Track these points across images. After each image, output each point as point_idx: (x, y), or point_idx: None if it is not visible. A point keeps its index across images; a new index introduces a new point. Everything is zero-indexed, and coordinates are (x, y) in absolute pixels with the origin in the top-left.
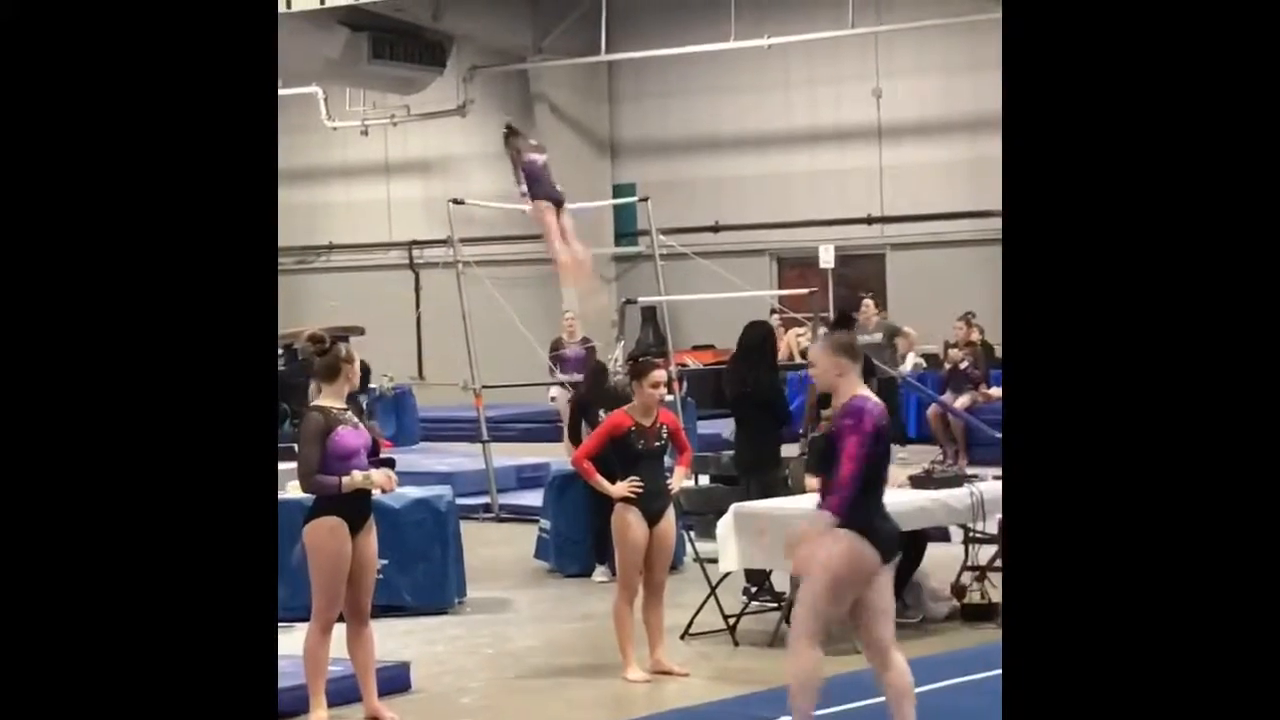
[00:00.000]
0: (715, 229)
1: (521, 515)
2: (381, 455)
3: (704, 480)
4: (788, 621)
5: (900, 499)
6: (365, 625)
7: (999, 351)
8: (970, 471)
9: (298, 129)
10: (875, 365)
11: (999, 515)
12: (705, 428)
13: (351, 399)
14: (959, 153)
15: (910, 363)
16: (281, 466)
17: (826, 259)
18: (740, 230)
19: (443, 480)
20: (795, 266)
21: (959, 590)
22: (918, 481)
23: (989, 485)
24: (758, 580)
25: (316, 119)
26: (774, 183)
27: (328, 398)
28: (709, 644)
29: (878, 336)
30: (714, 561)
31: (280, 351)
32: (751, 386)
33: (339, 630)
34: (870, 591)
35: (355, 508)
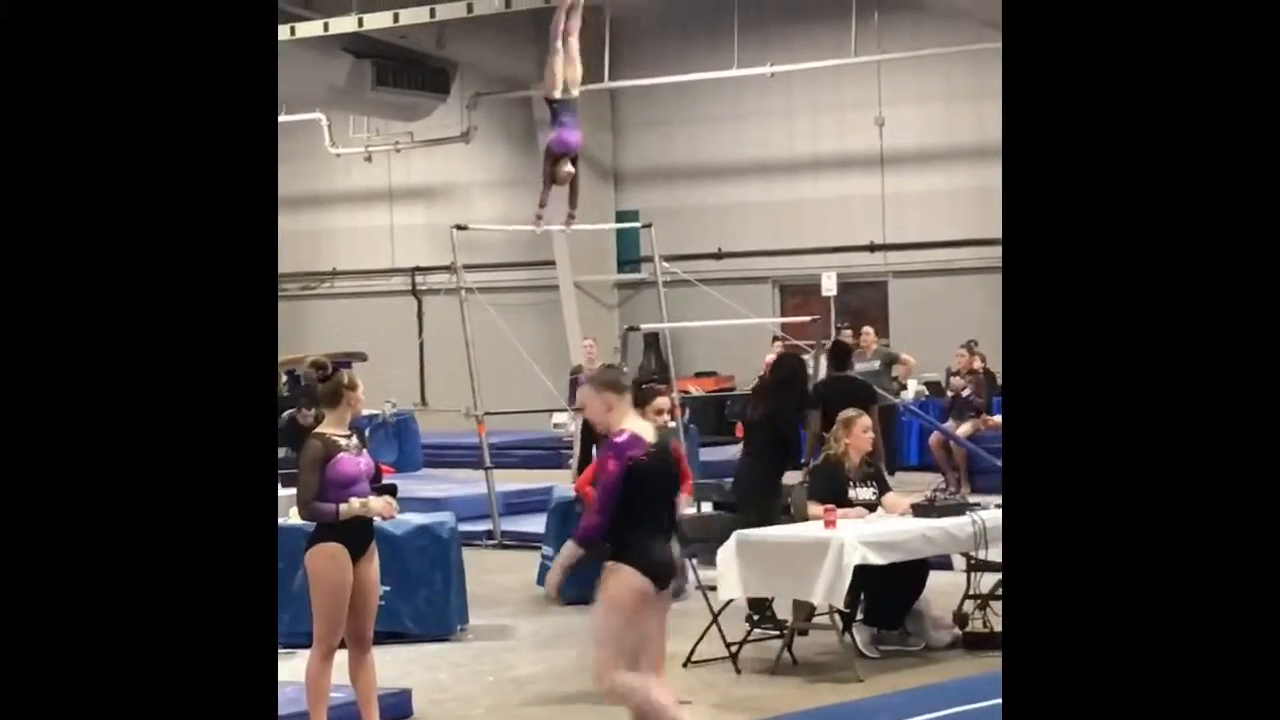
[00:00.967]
0: (718, 256)
1: (524, 542)
2: (383, 481)
3: (706, 508)
4: (789, 649)
5: (903, 527)
6: (367, 652)
7: (1001, 379)
8: (973, 499)
9: (302, 155)
10: (876, 392)
11: (1001, 543)
12: (708, 455)
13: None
14: (961, 181)
15: (913, 390)
16: (281, 492)
17: (829, 286)
18: (743, 257)
19: (445, 507)
20: (797, 294)
21: (961, 619)
22: (920, 510)
23: (991, 513)
24: (760, 608)
25: (320, 145)
26: (777, 210)
27: (329, 424)
28: (711, 672)
29: (876, 364)
30: (716, 589)
31: (283, 378)
32: (771, 416)
33: (341, 657)
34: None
35: (356, 534)
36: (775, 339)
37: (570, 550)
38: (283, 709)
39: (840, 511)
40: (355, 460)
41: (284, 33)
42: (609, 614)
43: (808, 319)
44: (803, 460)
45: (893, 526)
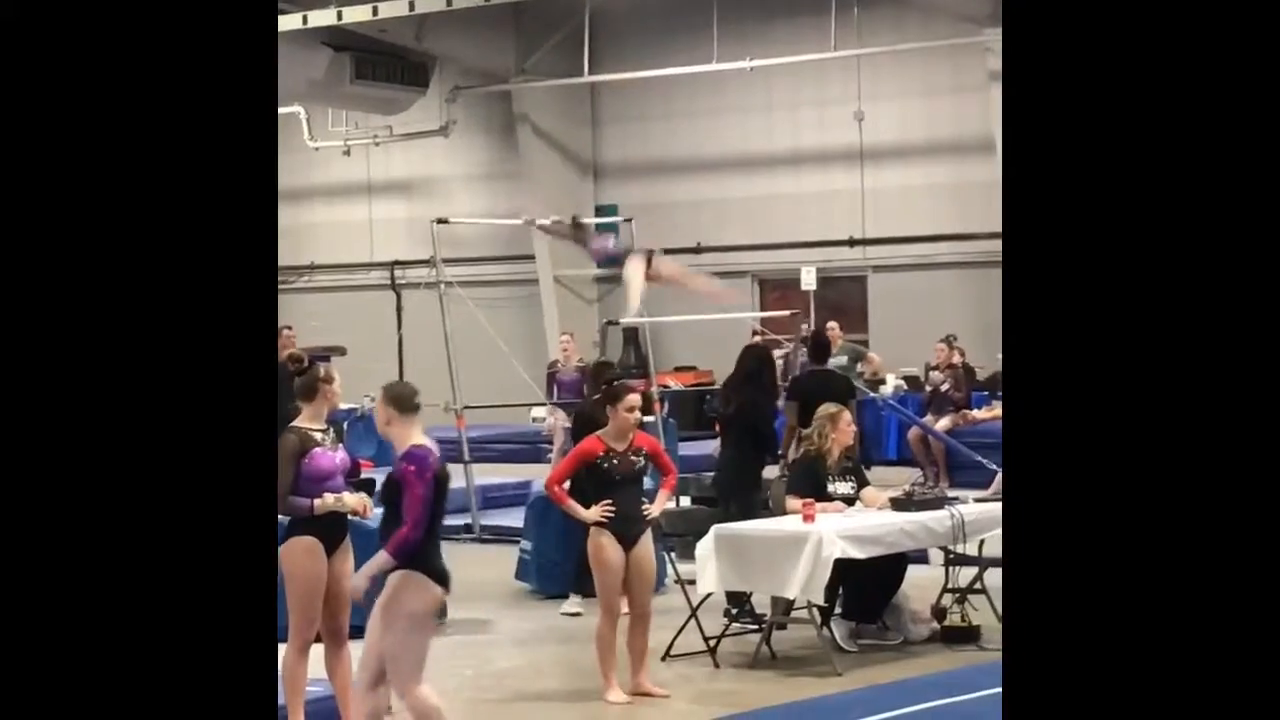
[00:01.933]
0: (697, 250)
1: (502, 536)
2: (361, 476)
3: (685, 502)
4: (768, 644)
5: (881, 521)
6: (343, 646)
7: (980, 374)
8: (951, 494)
9: (281, 149)
10: (855, 387)
11: (980, 537)
12: (687, 449)
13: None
14: (941, 176)
15: (891, 385)
16: None
17: (808, 281)
18: (722, 252)
19: None
20: (777, 288)
21: (939, 612)
22: (898, 504)
23: (969, 507)
24: (738, 602)
25: (299, 139)
26: (756, 205)
27: (306, 418)
28: (690, 666)
29: (843, 359)
30: (694, 583)
31: None
32: (742, 409)
33: (317, 651)
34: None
35: (331, 528)
36: (755, 333)
37: (382, 560)
38: None
39: (819, 506)
40: (331, 455)
41: None
42: (414, 629)
43: (787, 313)
44: (780, 453)
45: (871, 520)
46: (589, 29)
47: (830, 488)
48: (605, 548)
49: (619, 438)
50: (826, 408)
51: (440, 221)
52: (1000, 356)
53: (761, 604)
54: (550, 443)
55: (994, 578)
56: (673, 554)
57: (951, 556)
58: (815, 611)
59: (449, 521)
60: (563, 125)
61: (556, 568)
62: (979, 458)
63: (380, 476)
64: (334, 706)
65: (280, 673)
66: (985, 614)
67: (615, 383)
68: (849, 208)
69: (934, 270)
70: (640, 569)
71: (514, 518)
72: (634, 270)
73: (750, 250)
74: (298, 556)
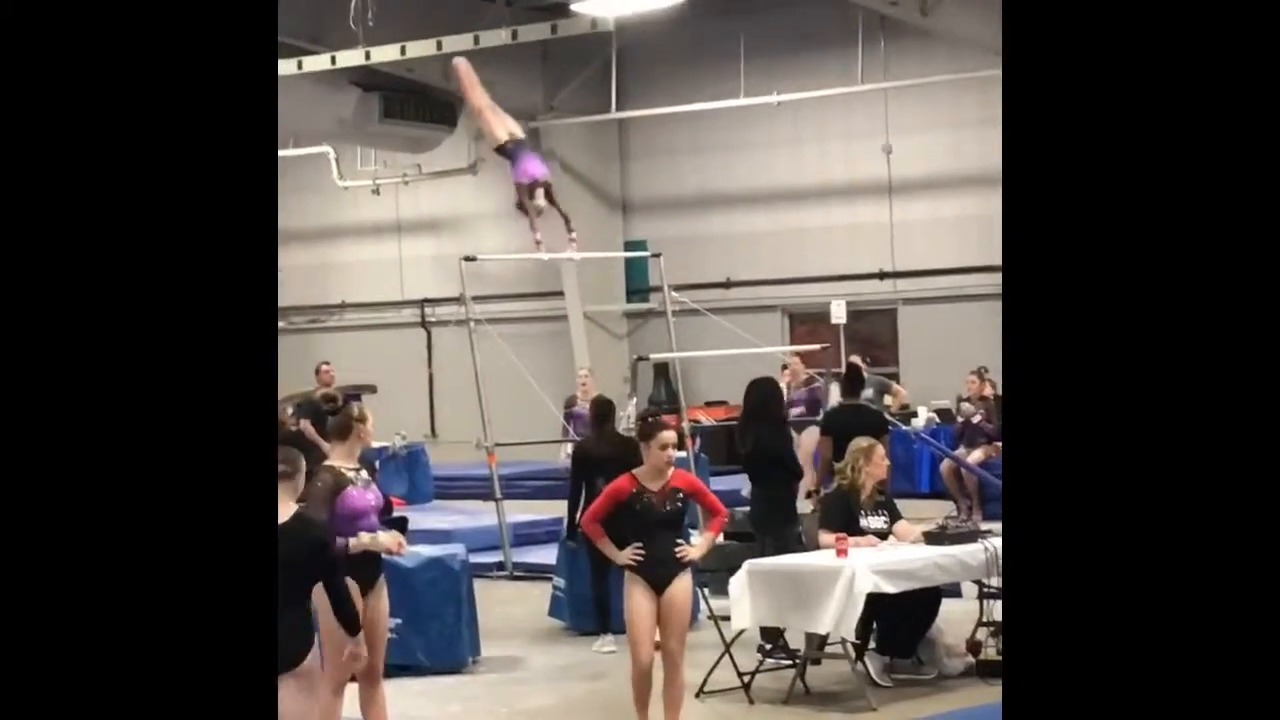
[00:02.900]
0: (727, 285)
1: (535, 573)
2: (394, 514)
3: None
4: (803, 679)
5: (914, 555)
6: (378, 685)
7: (1001, 405)
8: (985, 527)
9: (310, 189)
10: (887, 420)
11: None
12: (718, 484)
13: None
14: (969, 208)
15: (923, 417)
16: None
17: (838, 314)
18: (752, 286)
19: (456, 538)
20: (807, 322)
21: (974, 646)
22: (932, 537)
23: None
24: (772, 637)
25: (328, 178)
26: (785, 239)
27: (339, 457)
28: (724, 702)
29: (869, 392)
30: (728, 619)
31: (289, 410)
32: (760, 444)
33: (352, 690)
34: None
35: (365, 568)
36: (784, 367)
37: None
38: None
39: (852, 540)
40: (364, 494)
41: (291, 66)
42: (315, 691)
43: (817, 347)
44: (813, 488)
45: (904, 555)
46: (616, 65)
47: (863, 522)
48: (635, 595)
49: (653, 476)
50: (859, 442)
51: (468, 259)
52: None
53: (795, 639)
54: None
55: None
56: (706, 590)
57: (986, 590)
58: (849, 646)
59: (483, 559)
60: (591, 161)
61: (590, 604)
62: None
63: (413, 515)
64: None
65: (316, 712)
66: None
67: (651, 418)
68: (878, 241)
69: (964, 302)
70: (671, 613)
71: (547, 554)
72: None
73: (779, 284)
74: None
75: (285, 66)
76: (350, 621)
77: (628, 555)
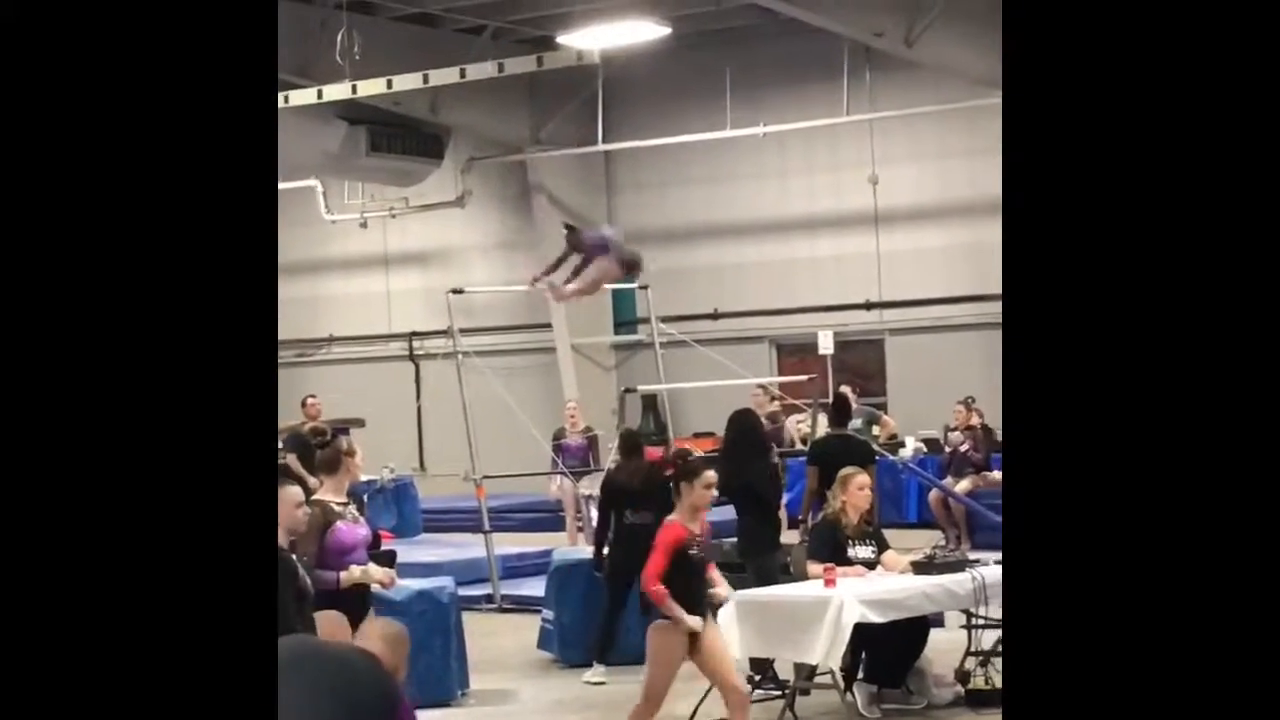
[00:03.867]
0: (714, 316)
1: (524, 605)
2: (382, 548)
3: None
4: (792, 709)
5: (902, 585)
6: None
7: (999, 435)
8: (972, 556)
9: (297, 222)
10: (874, 450)
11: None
12: (708, 515)
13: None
14: (956, 238)
15: (911, 447)
16: None
17: (826, 345)
18: (739, 317)
19: (444, 571)
20: (795, 353)
21: (963, 676)
22: (920, 567)
23: (991, 570)
24: (761, 668)
25: (315, 212)
26: (772, 270)
27: (327, 491)
28: None
29: (858, 422)
30: None
31: (279, 444)
32: (742, 475)
33: None
34: None
35: (355, 601)
36: (773, 398)
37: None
38: None
39: (840, 570)
40: (353, 529)
41: (279, 100)
42: None
43: (805, 378)
44: (799, 517)
45: (892, 584)
46: (602, 97)
47: (850, 552)
48: (674, 649)
49: (693, 517)
50: (842, 471)
51: (456, 291)
52: None
53: (784, 670)
54: (562, 509)
55: None
56: None
57: (974, 619)
58: (838, 676)
59: (471, 591)
60: (578, 194)
61: (578, 637)
62: (1000, 519)
63: (402, 548)
64: None
65: None
66: None
67: (690, 459)
68: (865, 271)
69: (951, 332)
70: (719, 653)
71: (535, 587)
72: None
73: (767, 315)
74: (322, 630)
75: None
76: None
77: (696, 622)
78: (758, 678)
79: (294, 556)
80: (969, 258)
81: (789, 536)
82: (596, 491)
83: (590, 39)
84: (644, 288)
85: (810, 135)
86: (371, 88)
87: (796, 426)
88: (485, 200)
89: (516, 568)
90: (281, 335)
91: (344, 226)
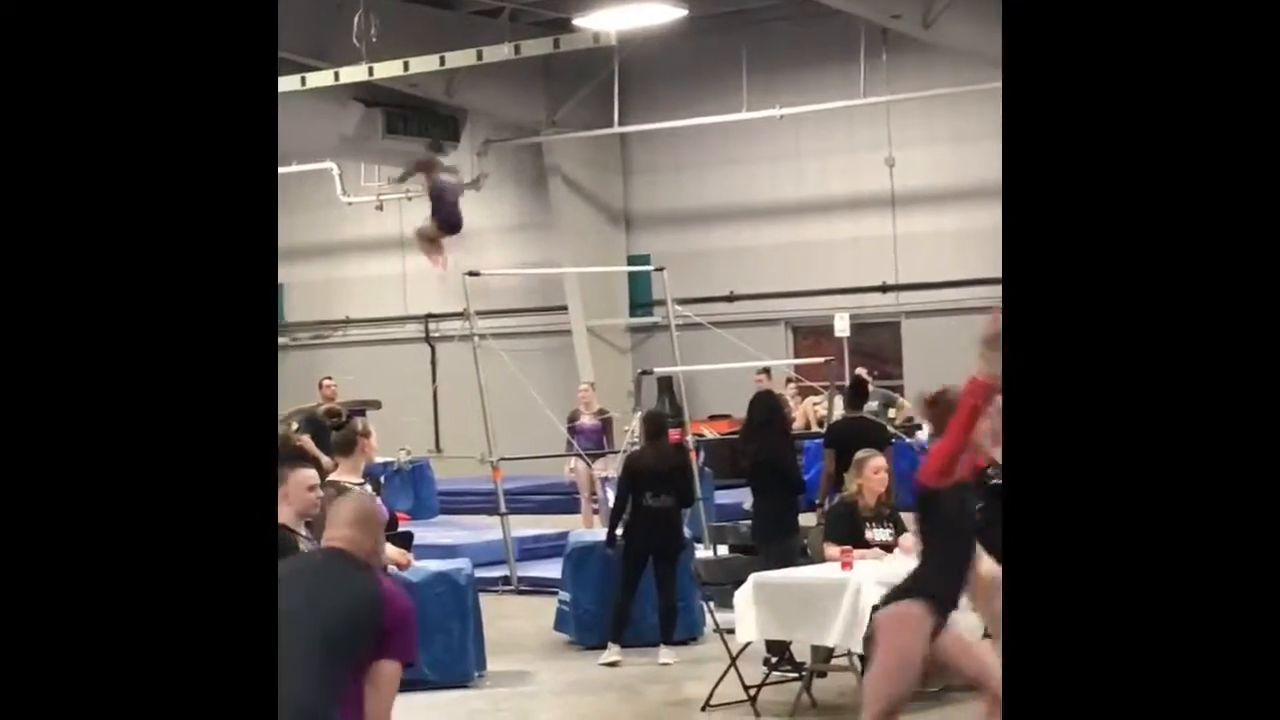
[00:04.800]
0: (730, 299)
1: (540, 587)
2: (399, 529)
3: (723, 550)
4: (809, 692)
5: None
6: None
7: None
8: None
9: (313, 205)
10: (890, 433)
11: None
12: (722, 497)
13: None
14: (972, 220)
15: (928, 430)
16: None
17: (842, 327)
18: (755, 300)
19: (461, 553)
20: (810, 335)
21: None
22: None
23: None
24: (778, 650)
25: (332, 194)
26: (789, 252)
27: (343, 472)
28: (730, 715)
29: (874, 405)
30: (733, 632)
31: (295, 425)
32: (762, 457)
33: None
34: None
35: None
36: (789, 380)
37: None
38: None
39: (857, 553)
40: None
41: (294, 83)
42: None
43: (821, 360)
44: (816, 500)
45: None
46: (618, 80)
47: (868, 534)
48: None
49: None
50: (858, 454)
51: (472, 274)
52: None
53: (801, 652)
54: (576, 492)
55: None
56: (711, 603)
57: None
58: (855, 659)
59: (488, 573)
60: (594, 176)
61: (595, 618)
62: None
63: (418, 530)
64: None
65: None
66: None
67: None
68: (881, 254)
69: (967, 315)
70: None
71: (552, 569)
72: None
73: (783, 298)
74: None
75: (288, 83)
76: None
77: None
78: (775, 660)
79: (300, 534)
80: (985, 240)
81: (806, 519)
82: (613, 473)
83: (607, 21)
84: (660, 270)
85: (826, 117)
86: (388, 70)
87: (813, 409)
88: (501, 182)
89: (532, 550)
90: (298, 317)
91: (360, 209)
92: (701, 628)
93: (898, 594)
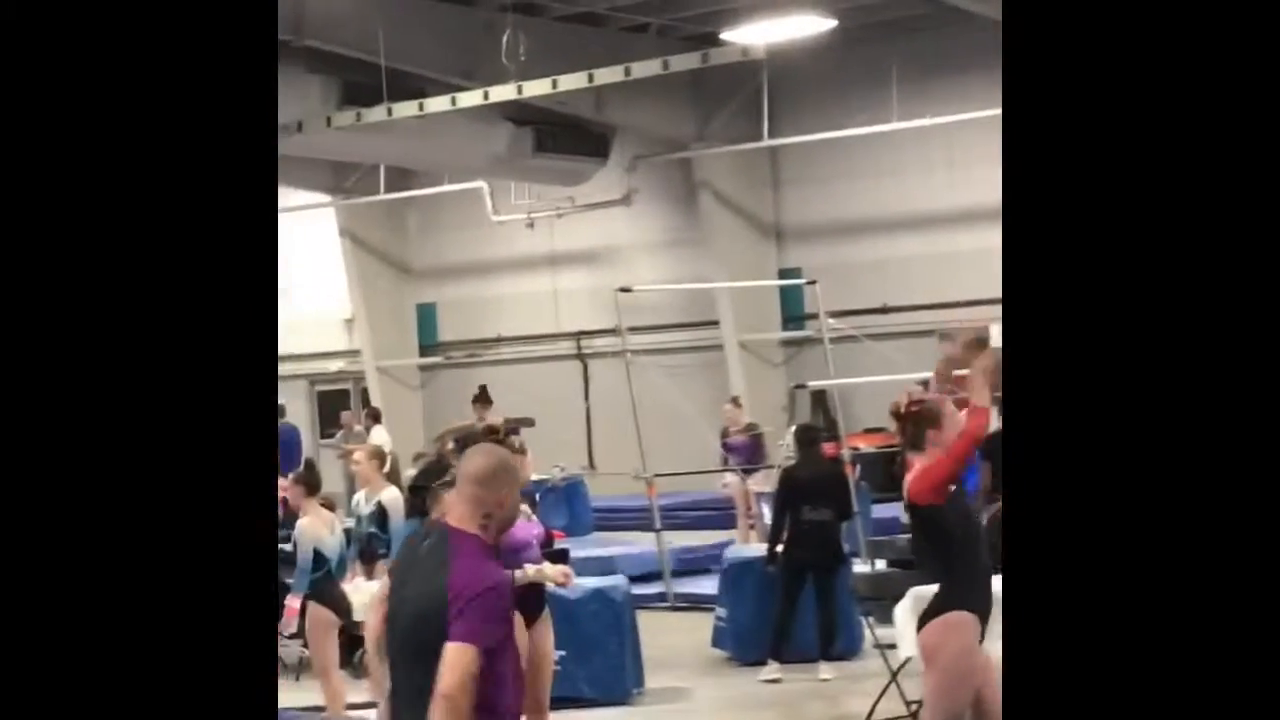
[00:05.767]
0: (883, 310)
1: (697, 603)
2: (554, 546)
3: (881, 565)
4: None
5: None
6: (544, 717)
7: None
8: None
9: (465, 224)
10: None
11: None
12: (880, 511)
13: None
14: None
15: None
16: None
17: (997, 338)
18: (909, 311)
19: (616, 570)
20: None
21: None
22: None
23: None
24: None
25: (483, 213)
26: (940, 262)
27: None
28: None
29: None
30: (894, 647)
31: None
32: None
33: None
34: None
35: (530, 600)
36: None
37: None
38: None
39: None
40: (527, 526)
41: (445, 103)
42: None
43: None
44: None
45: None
46: (767, 92)
47: None
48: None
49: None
50: None
51: (623, 290)
52: None
53: None
54: (734, 507)
55: None
56: (871, 618)
57: None
58: None
59: (643, 590)
60: (743, 190)
61: (753, 634)
62: None
63: (573, 547)
64: None
65: None
66: None
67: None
68: None
69: None
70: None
71: (707, 584)
72: None
73: (937, 309)
74: None
75: (439, 103)
76: None
77: None
78: None
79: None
80: None
81: None
82: (768, 488)
83: (755, 34)
84: (812, 283)
85: (977, 126)
86: (537, 88)
87: None
88: (651, 198)
89: (688, 565)
90: (449, 336)
91: (511, 227)
92: (860, 643)
93: (933, 612)
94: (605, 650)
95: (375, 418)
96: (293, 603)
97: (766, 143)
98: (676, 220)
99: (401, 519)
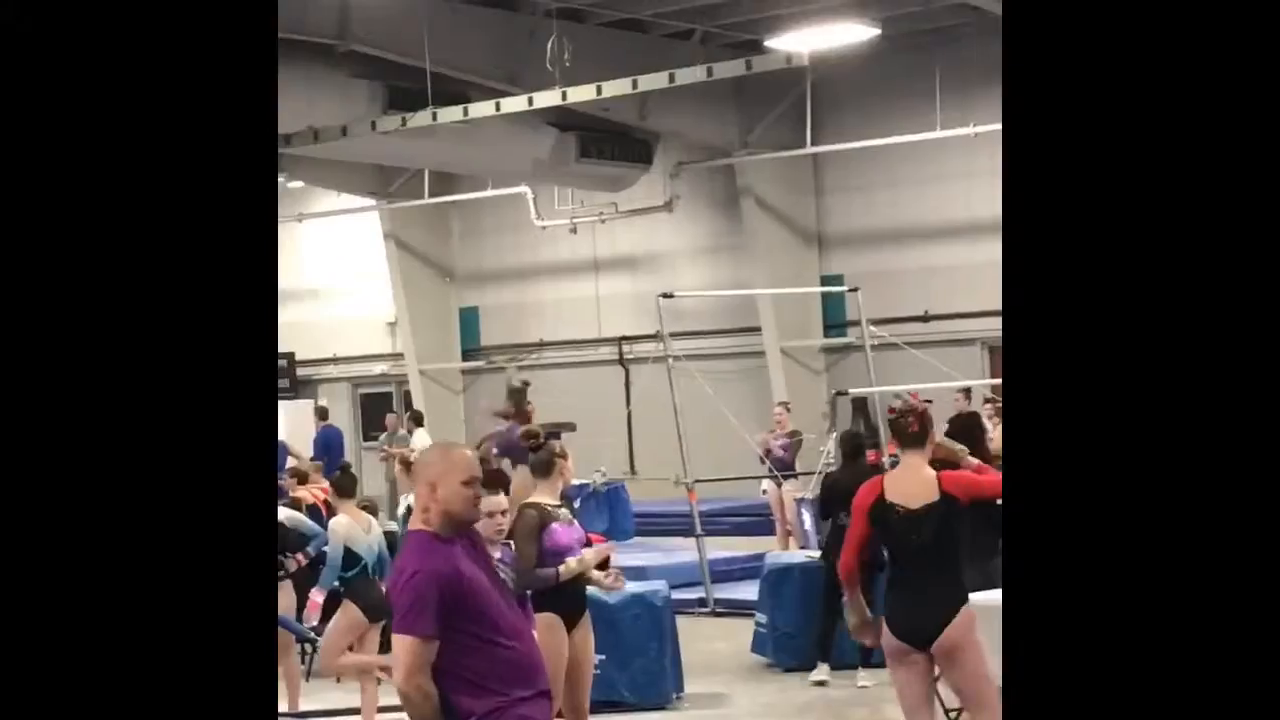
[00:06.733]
0: (925, 319)
1: (737, 609)
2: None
3: None
4: None
5: None
6: None
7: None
8: None
9: (508, 228)
10: None
11: None
12: None
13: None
14: None
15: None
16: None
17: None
18: (950, 319)
19: (657, 575)
20: None
21: None
22: None
23: None
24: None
25: (526, 218)
26: (983, 271)
27: (542, 493)
28: None
29: None
30: None
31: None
32: None
33: None
34: None
35: (571, 604)
36: (986, 401)
37: None
38: None
39: None
40: (569, 530)
41: (488, 108)
42: None
43: None
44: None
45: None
46: (810, 100)
47: None
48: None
49: None
50: None
51: (666, 296)
52: None
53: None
54: (772, 513)
55: None
56: None
57: None
58: None
59: (683, 595)
60: (786, 197)
61: (793, 640)
62: None
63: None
64: None
65: None
66: None
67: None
68: None
69: None
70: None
71: (747, 590)
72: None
73: (979, 317)
74: (539, 633)
75: (483, 108)
76: None
77: None
78: None
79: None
80: None
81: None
82: (808, 495)
83: (799, 41)
84: (854, 290)
85: None
86: (581, 94)
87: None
88: (694, 204)
89: (728, 571)
90: (492, 340)
91: (554, 232)
92: None
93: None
94: (645, 654)
95: (418, 421)
96: (316, 597)
97: (809, 150)
98: (719, 226)
99: None
